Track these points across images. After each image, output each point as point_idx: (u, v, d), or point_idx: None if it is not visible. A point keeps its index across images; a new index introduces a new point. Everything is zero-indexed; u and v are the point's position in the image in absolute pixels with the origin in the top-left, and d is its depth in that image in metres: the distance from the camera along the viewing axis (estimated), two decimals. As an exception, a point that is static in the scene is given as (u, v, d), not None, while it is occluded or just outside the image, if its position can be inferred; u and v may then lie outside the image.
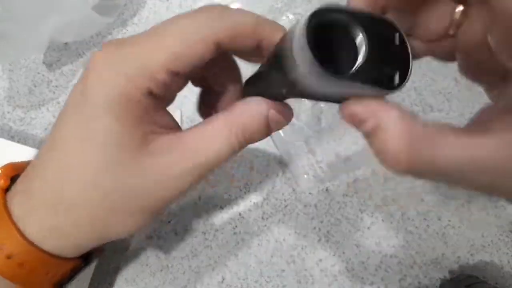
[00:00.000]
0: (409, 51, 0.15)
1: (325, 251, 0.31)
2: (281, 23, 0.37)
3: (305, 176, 0.32)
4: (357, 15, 0.15)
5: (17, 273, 0.19)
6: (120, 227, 0.20)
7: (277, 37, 0.18)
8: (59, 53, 0.37)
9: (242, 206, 0.32)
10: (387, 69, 0.15)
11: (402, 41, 0.15)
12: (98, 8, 0.34)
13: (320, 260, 0.31)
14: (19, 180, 0.21)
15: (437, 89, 0.35)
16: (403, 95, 0.35)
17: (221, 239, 0.31)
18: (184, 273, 0.31)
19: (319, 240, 0.31)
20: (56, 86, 0.36)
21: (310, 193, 0.32)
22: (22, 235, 0.19)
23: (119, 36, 0.37)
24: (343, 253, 0.31)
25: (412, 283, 0.31)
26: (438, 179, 0.15)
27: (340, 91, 0.16)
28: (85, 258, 0.23)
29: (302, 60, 0.14)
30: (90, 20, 0.35)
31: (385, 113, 0.14)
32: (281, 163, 0.33)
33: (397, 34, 0.15)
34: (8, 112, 0.35)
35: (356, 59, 0.15)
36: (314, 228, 0.32)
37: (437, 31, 0.16)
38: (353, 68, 0.15)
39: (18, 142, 0.32)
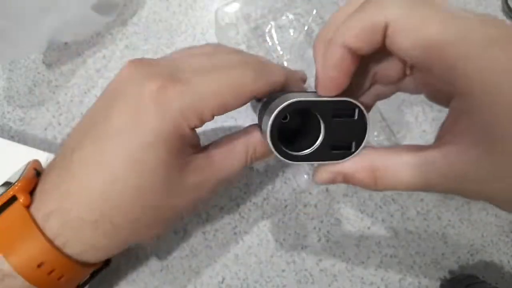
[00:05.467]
0: (367, 122, 0.18)
1: (325, 251, 0.31)
2: (281, 23, 0.38)
3: (305, 176, 0.32)
4: (319, 102, 0.18)
5: (45, 280, 0.20)
6: (148, 237, 0.24)
7: (296, 85, 0.24)
8: (59, 53, 0.37)
9: (242, 206, 0.32)
10: (345, 141, 0.19)
11: (361, 114, 0.18)
12: (98, 7, 0.34)
13: (320, 260, 0.31)
14: (50, 197, 0.20)
15: (437, 89, 0.35)
16: (403, 96, 0.35)
17: (221, 239, 0.31)
18: (184, 273, 0.31)
19: (319, 240, 0.31)
20: (56, 86, 0.36)
21: (310, 193, 0.32)
22: (57, 248, 0.20)
23: (119, 36, 0.37)
24: (343, 253, 0.31)
25: (412, 283, 0.31)
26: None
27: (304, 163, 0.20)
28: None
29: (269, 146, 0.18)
30: (90, 20, 0.35)
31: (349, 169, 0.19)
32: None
33: (357, 109, 0.18)
34: (8, 112, 0.35)
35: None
36: (314, 228, 0.32)
37: (397, 74, 0.20)
38: (308, 151, 0.19)
39: (18, 142, 0.32)
